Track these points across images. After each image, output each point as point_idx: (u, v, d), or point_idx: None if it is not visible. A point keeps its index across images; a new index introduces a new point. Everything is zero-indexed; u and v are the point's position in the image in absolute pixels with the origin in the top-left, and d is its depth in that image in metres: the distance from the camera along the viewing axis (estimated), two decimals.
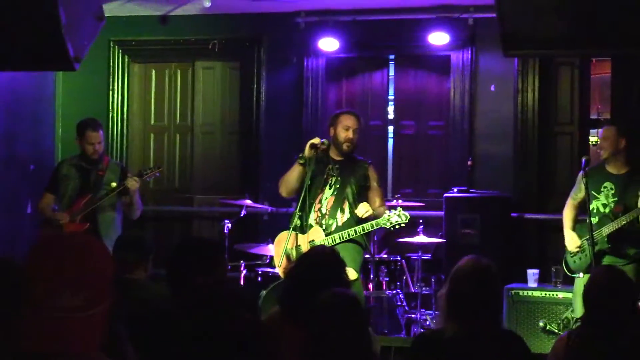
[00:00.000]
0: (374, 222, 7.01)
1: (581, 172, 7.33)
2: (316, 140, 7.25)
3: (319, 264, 4.62)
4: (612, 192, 7.29)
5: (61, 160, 8.40)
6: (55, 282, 2.20)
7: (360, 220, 7.10)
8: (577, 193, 7.56)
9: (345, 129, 7.29)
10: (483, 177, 9.72)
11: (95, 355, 2.28)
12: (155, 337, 3.73)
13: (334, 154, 7.38)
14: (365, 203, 7.15)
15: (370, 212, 7.08)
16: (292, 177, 7.37)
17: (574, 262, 7.55)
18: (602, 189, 7.40)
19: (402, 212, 6.93)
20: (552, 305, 8.13)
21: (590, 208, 7.29)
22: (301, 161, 7.29)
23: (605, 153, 7.41)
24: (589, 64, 9.89)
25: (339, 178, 7.27)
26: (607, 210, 7.31)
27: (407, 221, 6.94)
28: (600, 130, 7.67)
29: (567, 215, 7.66)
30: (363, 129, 7.51)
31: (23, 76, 9.58)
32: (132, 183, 7.73)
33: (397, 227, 7.00)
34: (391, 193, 10.08)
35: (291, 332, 4.26)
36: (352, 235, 7.05)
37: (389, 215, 6.93)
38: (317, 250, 5.12)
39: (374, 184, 7.36)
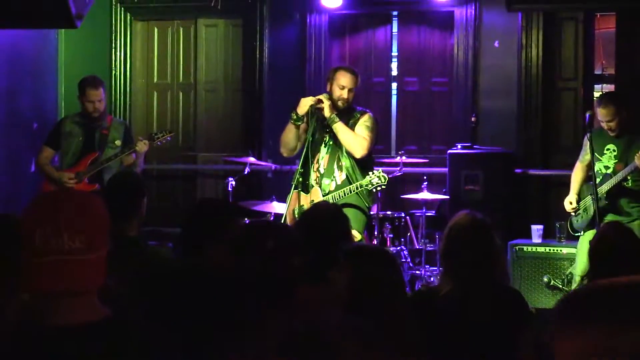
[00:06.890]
0: (358, 183, 6.82)
1: (587, 135, 7.32)
2: (312, 101, 7.02)
3: (322, 220, 4.59)
4: (615, 153, 7.27)
5: (64, 116, 8.34)
6: (52, 225, 2.29)
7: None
8: (585, 155, 7.54)
9: (341, 87, 7.04)
10: (487, 133, 9.70)
11: (94, 299, 2.37)
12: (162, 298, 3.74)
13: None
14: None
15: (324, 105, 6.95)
16: (288, 137, 7.22)
17: (577, 221, 7.59)
18: (605, 151, 7.37)
19: (382, 173, 6.75)
20: (556, 260, 8.16)
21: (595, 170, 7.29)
22: (294, 121, 7.10)
23: (617, 131, 7.31)
24: (593, 19, 9.82)
25: (332, 134, 7.05)
26: (609, 171, 7.29)
27: (386, 182, 6.74)
28: (597, 108, 7.42)
29: (575, 177, 7.68)
30: (359, 84, 7.19)
31: (25, 34, 9.54)
32: (142, 146, 7.68)
33: (379, 188, 6.84)
34: (395, 149, 10.08)
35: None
36: (346, 196, 6.85)
37: (370, 178, 6.74)
38: (319, 207, 5.10)
39: (358, 128, 7.00)
